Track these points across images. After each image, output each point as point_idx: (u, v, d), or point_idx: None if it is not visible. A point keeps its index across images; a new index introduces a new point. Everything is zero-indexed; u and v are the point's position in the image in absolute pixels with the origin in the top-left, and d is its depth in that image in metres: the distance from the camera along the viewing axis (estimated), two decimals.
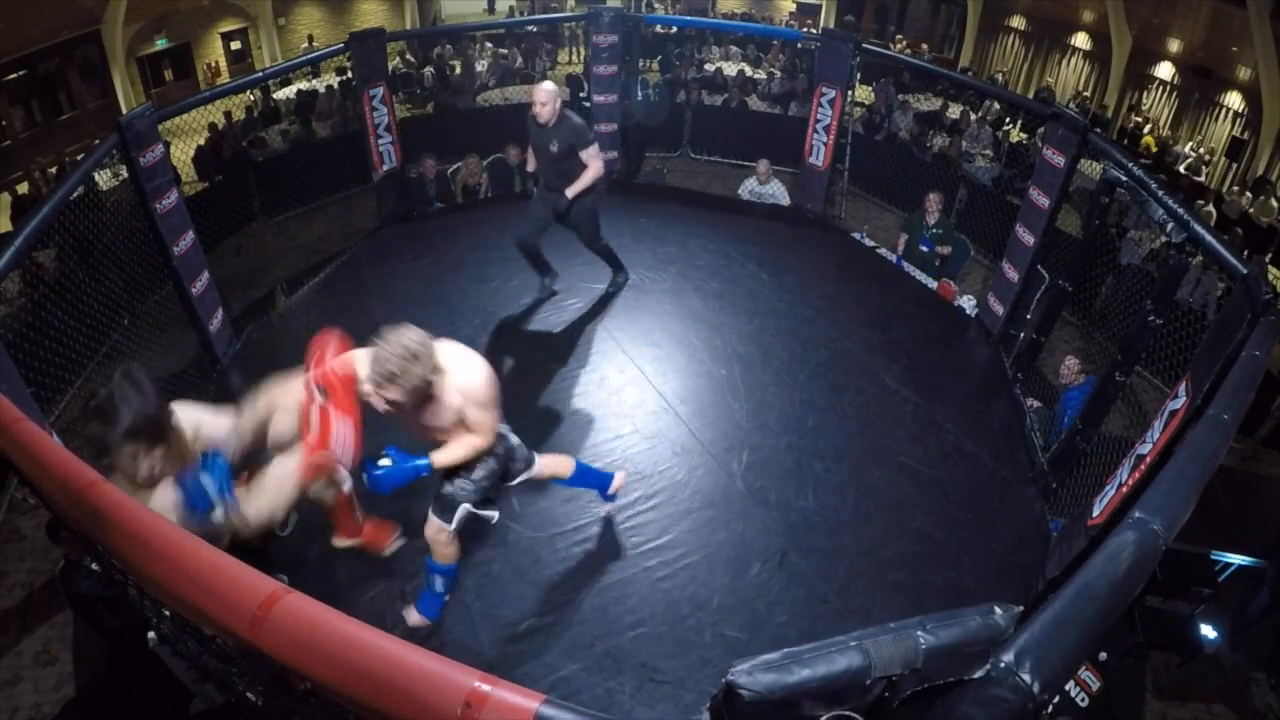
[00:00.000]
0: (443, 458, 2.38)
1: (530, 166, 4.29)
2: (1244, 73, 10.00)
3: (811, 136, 6.04)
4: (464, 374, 2.31)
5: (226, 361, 4.31)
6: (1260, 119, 9.64)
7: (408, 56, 11.71)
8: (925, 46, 14.05)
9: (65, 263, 4.65)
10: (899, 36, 14.88)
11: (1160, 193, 3.24)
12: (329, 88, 10.01)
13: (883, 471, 3.63)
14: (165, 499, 1.90)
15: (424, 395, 2.22)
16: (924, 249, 5.51)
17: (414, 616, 2.86)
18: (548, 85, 3.94)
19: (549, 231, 4.43)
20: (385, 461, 2.34)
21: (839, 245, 5.88)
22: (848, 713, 1.02)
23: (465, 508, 2.59)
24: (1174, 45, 11.01)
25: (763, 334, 4.54)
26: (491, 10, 16.61)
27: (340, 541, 2.77)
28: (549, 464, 2.90)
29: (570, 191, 4.06)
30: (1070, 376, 4.13)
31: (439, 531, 2.63)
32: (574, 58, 13.37)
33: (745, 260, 5.31)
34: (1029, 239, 4.46)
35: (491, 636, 2.79)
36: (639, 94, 7.75)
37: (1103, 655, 2.80)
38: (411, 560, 3.07)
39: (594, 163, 4.03)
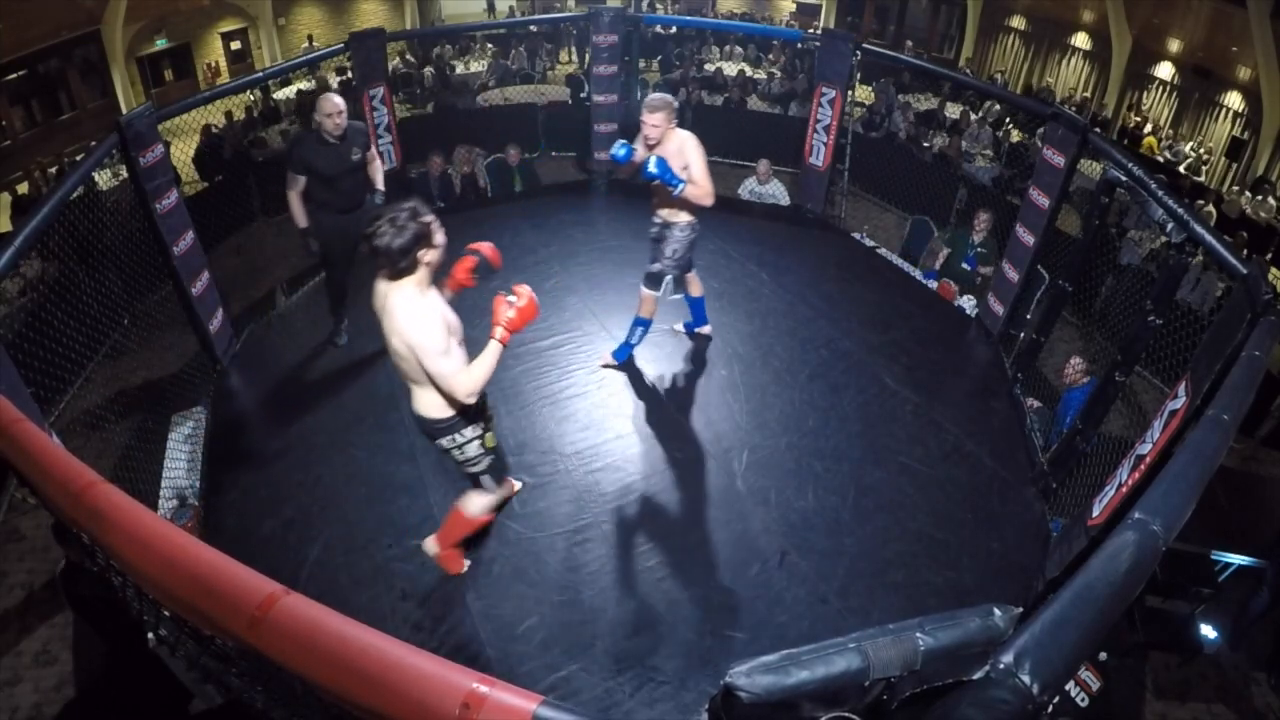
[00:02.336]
0: (689, 189, 3.41)
1: (302, 219, 3.95)
2: (1244, 73, 9.98)
3: (812, 136, 6.04)
4: (690, 139, 3.46)
5: (226, 361, 4.31)
6: (1260, 119, 9.63)
7: (408, 56, 11.71)
8: (912, 44, 14.05)
9: (65, 263, 4.65)
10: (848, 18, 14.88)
11: (1160, 193, 3.23)
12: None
13: (883, 471, 3.63)
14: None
15: (664, 133, 3.43)
16: (966, 267, 5.44)
17: (609, 359, 4.16)
18: (336, 96, 3.81)
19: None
20: (655, 165, 3.31)
21: (839, 245, 5.87)
22: (846, 714, 1.02)
23: (668, 279, 3.77)
24: (1174, 45, 11.00)
25: (763, 334, 4.54)
26: (491, 11, 16.59)
27: (429, 546, 2.99)
28: (695, 280, 4.16)
29: (381, 183, 4.12)
30: (1074, 377, 4.12)
31: (649, 295, 3.85)
32: (573, 58, 13.37)
33: (745, 260, 5.31)
34: (1029, 239, 4.45)
35: (491, 636, 2.79)
36: (639, 94, 7.75)
37: (1103, 655, 2.80)
38: (411, 560, 3.08)
39: (376, 156, 4.14)
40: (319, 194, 3.92)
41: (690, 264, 3.90)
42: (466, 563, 3.04)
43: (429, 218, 2.23)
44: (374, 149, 4.10)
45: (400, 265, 2.18)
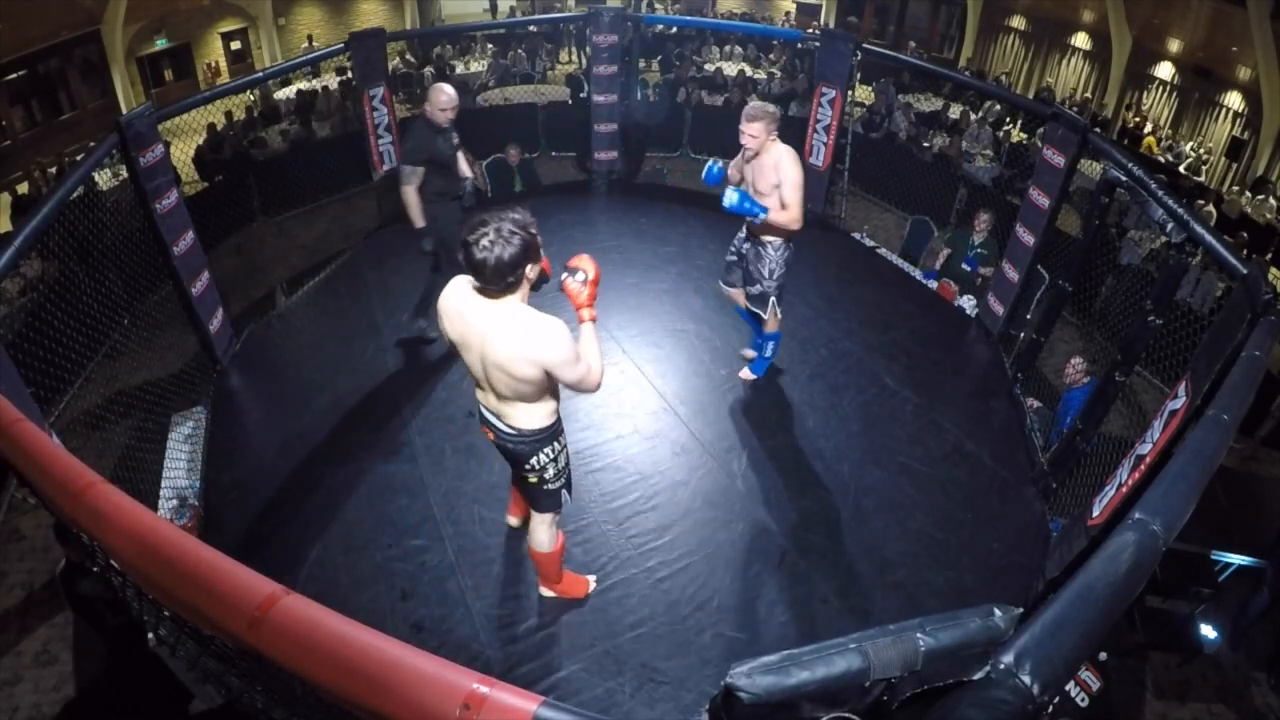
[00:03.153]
0: (771, 215, 3.30)
1: (421, 220, 3.86)
2: (1244, 73, 9.99)
3: (812, 136, 6.03)
4: (788, 155, 3.29)
5: (226, 361, 4.31)
6: (1260, 119, 9.63)
7: (408, 56, 11.71)
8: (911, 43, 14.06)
9: (65, 263, 4.65)
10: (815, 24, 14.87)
11: (1160, 193, 3.24)
12: (325, 88, 10.01)
13: (883, 471, 3.63)
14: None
15: (762, 144, 3.28)
16: (966, 267, 5.42)
17: (748, 374, 4.04)
18: (449, 88, 3.80)
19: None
20: (734, 196, 3.24)
21: (839, 245, 5.87)
22: (847, 715, 1.02)
23: (773, 299, 3.65)
24: (1174, 45, 11.01)
25: None
26: (494, 12, 16.55)
27: (545, 593, 2.91)
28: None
29: (469, 170, 4.08)
30: (1075, 377, 4.12)
31: (772, 315, 3.71)
32: (574, 58, 13.38)
33: None
34: (1029, 239, 4.45)
35: (491, 636, 2.79)
36: (639, 94, 7.75)
37: (1103, 655, 2.80)
38: (411, 560, 3.08)
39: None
40: (435, 183, 3.82)
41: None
42: (590, 579, 2.96)
43: (535, 228, 2.03)
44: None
45: (508, 280, 1.99)
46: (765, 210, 3.27)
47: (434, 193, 3.85)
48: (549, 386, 2.20)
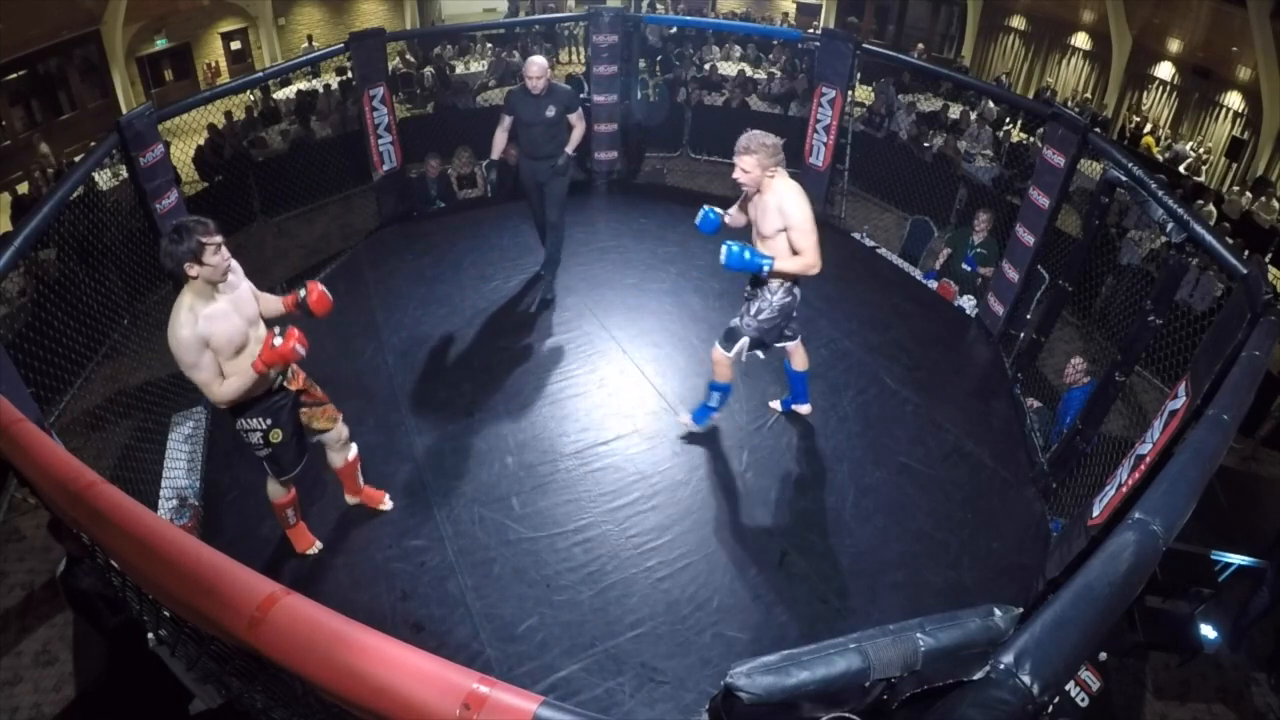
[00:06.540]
0: (780, 264, 2.95)
1: (498, 151, 4.41)
2: (1244, 73, 9.99)
3: (812, 136, 6.03)
4: (791, 194, 2.91)
5: None
6: (1260, 119, 9.63)
7: (408, 56, 11.70)
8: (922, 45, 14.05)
9: (65, 263, 4.65)
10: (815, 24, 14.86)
11: (1160, 193, 3.24)
12: (326, 87, 10.00)
13: (883, 471, 3.63)
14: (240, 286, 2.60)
15: (759, 180, 2.93)
16: (966, 267, 5.40)
17: (686, 418, 3.72)
18: (539, 59, 4.24)
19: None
20: (733, 252, 2.92)
21: (839, 245, 5.86)
22: (847, 715, 1.02)
23: (744, 341, 3.27)
24: (1174, 45, 11.01)
25: None
26: (515, 11, 16.39)
27: (350, 499, 3.29)
28: (800, 351, 3.61)
29: (570, 148, 4.33)
30: (1075, 376, 4.12)
31: (721, 356, 3.34)
32: (574, 58, 13.37)
33: None
34: (1029, 239, 4.45)
35: (491, 636, 2.79)
36: (639, 94, 7.74)
37: (1103, 655, 2.80)
38: (411, 560, 3.07)
39: (580, 124, 4.33)
40: (519, 137, 4.41)
41: (784, 334, 3.42)
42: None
43: (208, 238, 2.36)
44: (577, 116, 4.32)
45: (173, 272, 2.37)
46: (770, 261, 2.94)
47: (521, 145, 4.45)
48: (216, 371, 2.49)
